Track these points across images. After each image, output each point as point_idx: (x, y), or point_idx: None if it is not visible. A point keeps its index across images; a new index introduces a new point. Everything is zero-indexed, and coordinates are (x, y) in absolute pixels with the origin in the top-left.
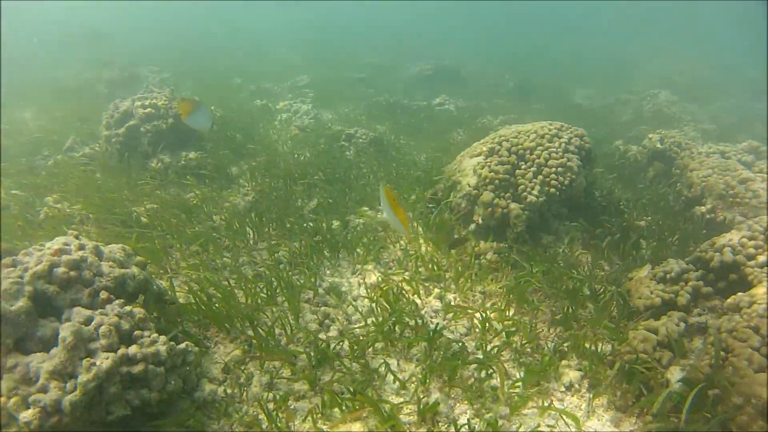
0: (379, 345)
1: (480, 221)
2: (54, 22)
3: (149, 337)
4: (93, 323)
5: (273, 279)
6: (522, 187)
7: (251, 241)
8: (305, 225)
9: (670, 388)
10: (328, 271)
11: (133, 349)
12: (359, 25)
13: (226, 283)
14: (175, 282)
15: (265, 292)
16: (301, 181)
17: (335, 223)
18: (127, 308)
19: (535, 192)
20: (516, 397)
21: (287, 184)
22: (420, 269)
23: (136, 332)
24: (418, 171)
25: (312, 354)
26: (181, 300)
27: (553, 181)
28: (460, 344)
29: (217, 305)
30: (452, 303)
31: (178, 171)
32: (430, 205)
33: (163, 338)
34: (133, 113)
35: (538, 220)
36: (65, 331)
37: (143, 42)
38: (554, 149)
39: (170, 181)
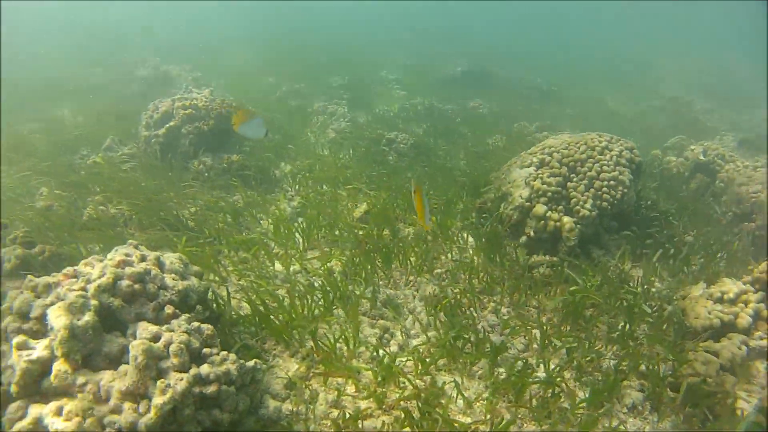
0: (441, 361)
1: (532, 234)
2: (70, 21)
3: (218, 354)
4: (162, 340)
5: (329, 289)
6: (574, 200)
7: (301, 248)
8: (355, 233)
9: (746, 417)
10: (380, 282)
11: (205, 369)
12: (382, 23)
13: (283, 292)
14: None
15: (322, 303)
16: (345, 186)
17: (385, 231)
18: (195, 324)
19: (587, 206)
20: (584, 418)
21: (333, 189)
22: (473, 281)
23: (205, 350)
24: (461, 177)
25: (377, 370)
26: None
27: (605, 195)
28: (522, 361)
29: (275, 316)
30: (508, 317)
31: (220, 173)
32: (479, 215)
33: (232, 356)
34: (174, 114)
35: (590, 234)
36: (136, 349)
37: (169, 40)
38: (606, 162)
39: (212, 183)
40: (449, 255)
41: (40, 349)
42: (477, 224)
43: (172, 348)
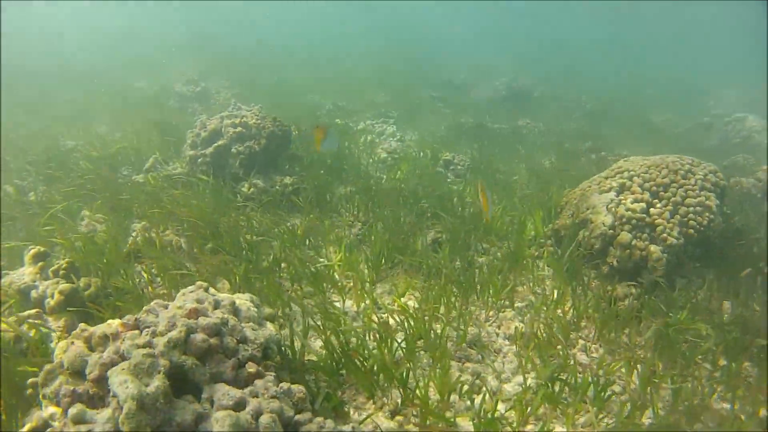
0: (540, 410)
1: (615, 263)
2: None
3: (313, 421)
4: (249, 409)
5: (411, 328)
6: (660, 228)
7: (368, 280)
8: (427, 263)
9: None
10: (460, 318)
11: None
12: (419, 37)
13: (358, 331)
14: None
15: (404, 344)
16: (407, 211)
17: (458, 262)
18: (285, 386)
19: (674, 233)
20: None
21: (396, 215)
22: (558, 315)
23: (297, 416)
24: (525, 199)
25: (477, 423)
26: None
27: (691, 221)
28: (627, 405)
29: (359, 360)
30: (600, 355)
31: (273, 196)
32: (555, 242)
33: (329, 424)
34: (223, 132)
35: (674, 262)
36: (221, 424)
37: (200, 53)
38: (690, 186)
39: (265, 206)
40: (529, 285)
41: (101, 422)
42: (555, 253)
43: (264, 420)
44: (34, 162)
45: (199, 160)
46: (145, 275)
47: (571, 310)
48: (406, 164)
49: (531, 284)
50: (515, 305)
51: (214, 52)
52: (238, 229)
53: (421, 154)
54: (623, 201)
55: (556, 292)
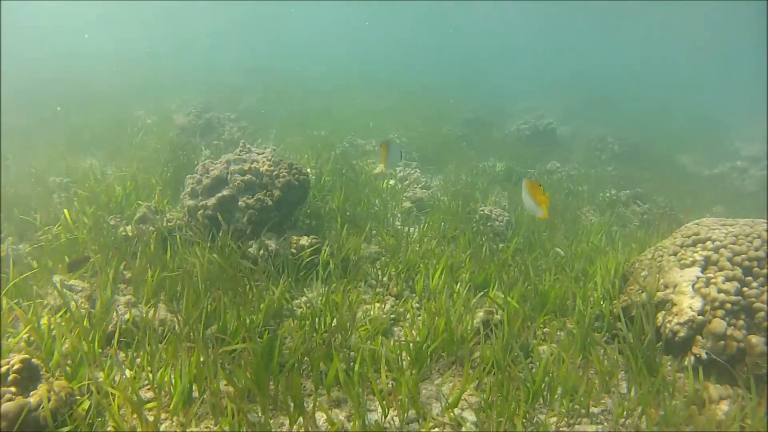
0: None
1: (703, 356)
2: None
3: None
4: None
5: None
6: (761, 314)
7: (410, 379)
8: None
9: None
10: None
11: None
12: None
13: None
14: None
15: None
16: (448, 279)
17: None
18: None
19: None
20: None
21: (437, 288)
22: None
23: None
24: (575, 270)
25: None
26: None
27: None
28: None
29: None
30: None
31: (287, 260)
32: (627, 323)
33: None
34: (228, 180)
35: None
36: None
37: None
38: None
39: (278, 274)
40: (601, 380)
41: None
42: (626, 338)
43: None
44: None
45: (200, 212)
46: (129, 372)
47: (658, 416)
48: (435, 216)
49: (602, 380)
50: (591, 410)
51: (221, 82)
52: (246, 307)
53: (452, 204)
54: (713, 280)
55: (633, 390)
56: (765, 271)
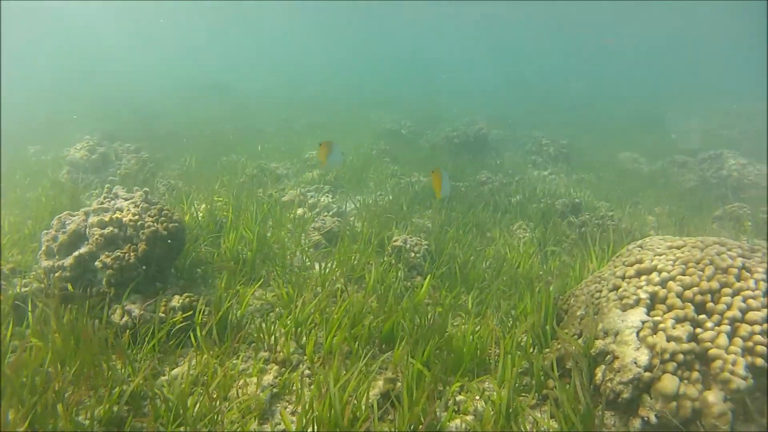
0: None
1: (653, 419)
2: None
3: None
4: None
5: None
6: (717, 363)
7: None
8: None
9: None
10: None
11: None
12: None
13: None
14: None
15: None
16: (351, 340)
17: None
18: None
19: (739, 370)
20: None
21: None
22: None
23: None
24: (503, 299)
25: None
26: None
27: (759, 347)
28: None
29: None
30: None
31: (154, 327)
32: (560, 376)
33: None
34: (87, 234)
35: (741, 413)
36: None
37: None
38: (750, 292)
39: (143, 342)
40: None
41: None
42: (558, 400)
43: None
44: None
45: (57, 274)
46: None
47: None
48: (345, 250)
49: None
50: None
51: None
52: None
53: (363, 233)
54: (662, 324)
55: None
56: (720, 306)
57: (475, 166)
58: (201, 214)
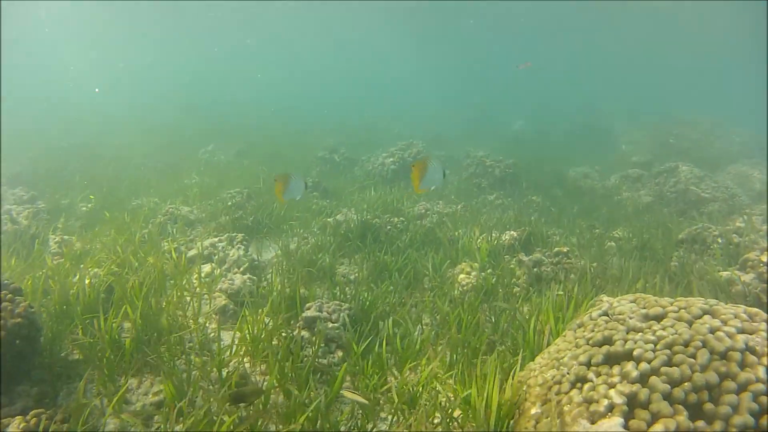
0: None
1: None
2: None
3: None
4: None
5: None
6: None
7: None
8: None
9: None
10: None
11: None
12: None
13: None
14: None
15: None
16: None
17: None
18: None
19: None
20: None
21: None
22: None
23: None
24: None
25: None
26: None
27: None
28: None
29: None
30: None
31: None
32: None
33: None
34: None
35: None
36: None
37: None
38: (762, 386)
39: None
40: None
41: None
42: None
43: None
44: None
45: None
46: None
47: None
48: (254, 320)
49: None
50: None
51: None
52: None
53: (275, 294)
54: None
55: None
56: (723, 409)
57: (407, 192)
58: (88, 281)
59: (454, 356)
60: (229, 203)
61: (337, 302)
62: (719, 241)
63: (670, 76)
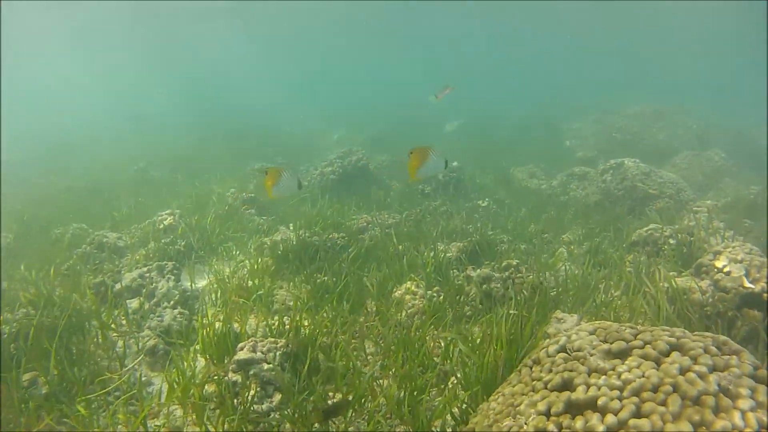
0: None
1: None
2: None
3: None
4: None
5: None
6: None
7: None
8: None
9: None
10: None
11: None
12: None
13: None
14: None
15: None
16: None
17: None
18: None
19: None
20: None
21: None
22: None
23: None
24: None
25: None
26: None
27: None
28: None
29: None
30: None
31: None
32: None
33: None
34: None
35: None
36: None
37: None
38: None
39: None
40: None
41: None
42: None
43: None
44: None
45: None
46: None
47: None
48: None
49: None
50: None
51: None
52: None
53: (208, 330)
54: None
55: None
56: None
57: (357, 205)
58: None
59: (402, 393)
60: (161, 226)
61: (273, 339)
62: (671, 242)
63: (619, 66)
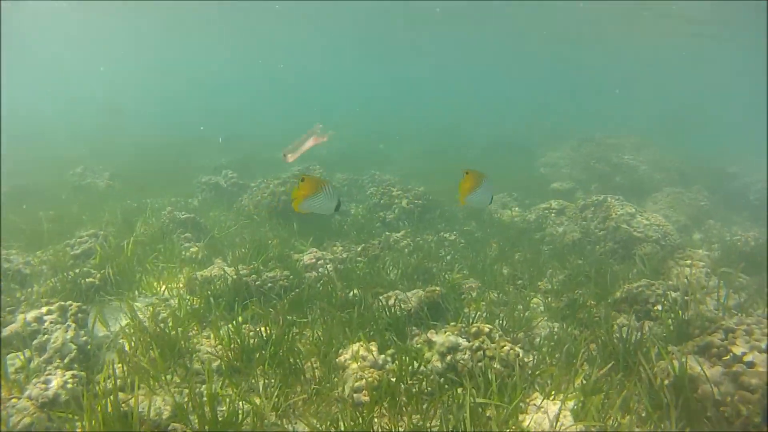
0: None
1: None
2: None
3: None
4: None
5: None
6: None
7: None
8: None
9: None
10: None
11: None
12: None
13: None
14: None
15: None
16: None
17: None
18: None
19: None
20: None
21: None
22: None
23: None
24: None
25: None
26: None
27: None
28: None
29: None
30: None
31: None
32: None
33: None
34: None
35: None
36: None
37: None
38: None
39: None
40: None
41: None
42: None
43: None
44: None
45: None
46: None
47: None
48: None
49: None
50: None
51: None
52: None
53: (106, 399)
54: None
55: None
56: None
57: (309, 231)
58: None
59: None
60: (78, 250)
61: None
62: (664, 302)
63: (599, 96)
